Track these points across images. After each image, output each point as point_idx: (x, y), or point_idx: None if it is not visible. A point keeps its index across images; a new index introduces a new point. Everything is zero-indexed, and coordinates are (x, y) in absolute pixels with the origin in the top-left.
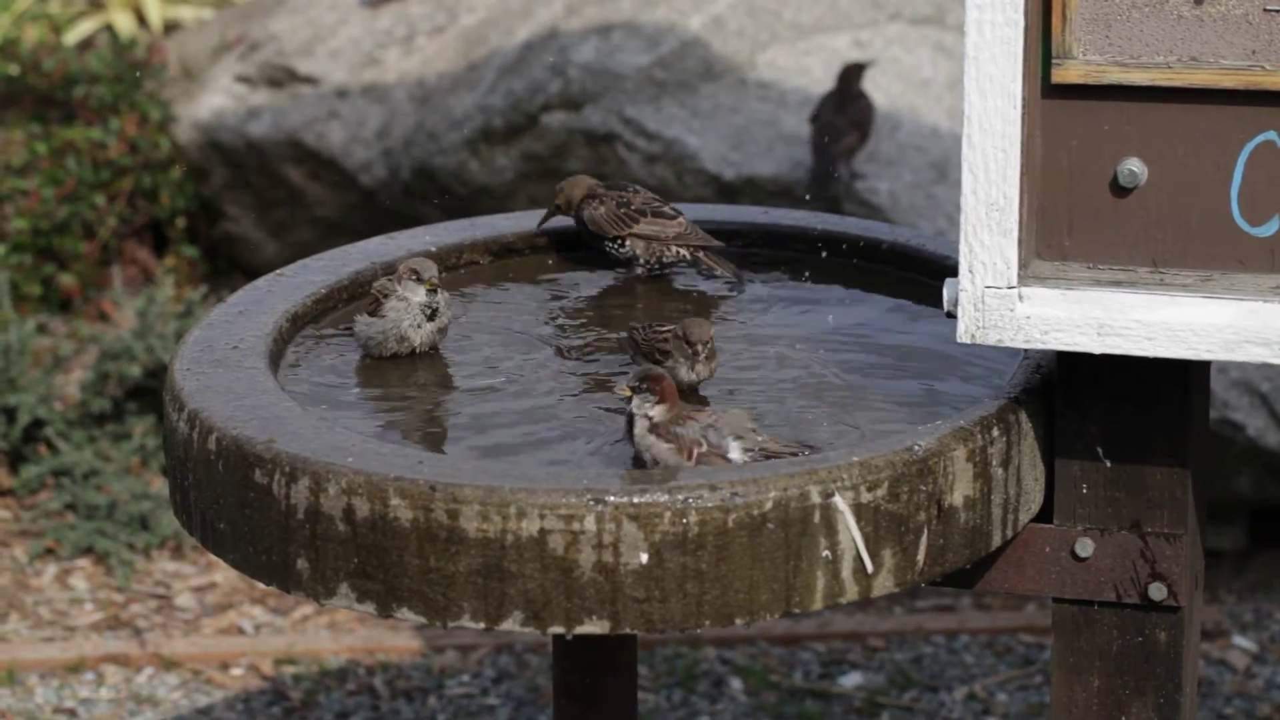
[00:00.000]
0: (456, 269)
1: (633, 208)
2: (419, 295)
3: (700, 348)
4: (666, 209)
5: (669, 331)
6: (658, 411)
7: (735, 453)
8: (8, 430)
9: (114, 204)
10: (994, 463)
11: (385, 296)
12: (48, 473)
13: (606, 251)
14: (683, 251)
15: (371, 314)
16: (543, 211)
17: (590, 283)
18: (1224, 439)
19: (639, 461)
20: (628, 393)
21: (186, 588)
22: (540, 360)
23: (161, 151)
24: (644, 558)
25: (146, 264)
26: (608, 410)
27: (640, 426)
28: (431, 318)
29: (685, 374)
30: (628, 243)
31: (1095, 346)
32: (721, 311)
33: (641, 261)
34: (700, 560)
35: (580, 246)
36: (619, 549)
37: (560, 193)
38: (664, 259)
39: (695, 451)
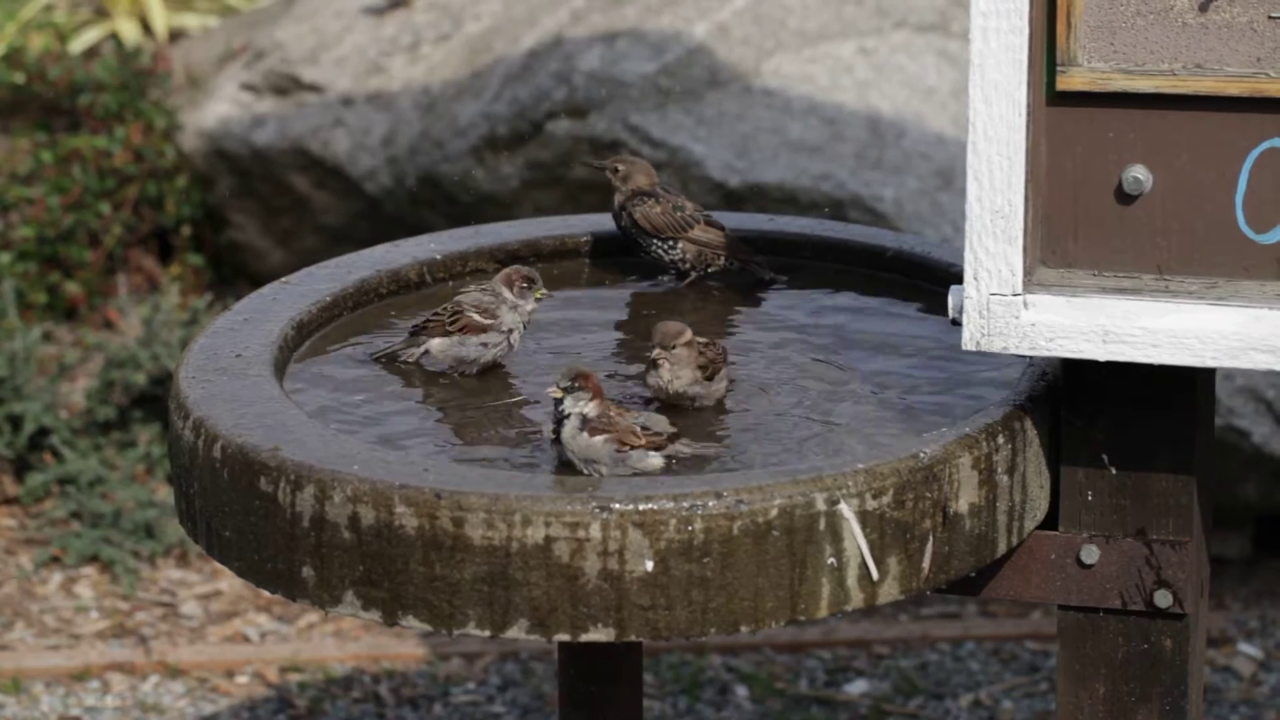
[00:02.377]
0: (462, 276)
1: (687, 213)
2: (530, 304)
3: (661, 351)
4: (716, 220)
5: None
6: (591, 407)
7: (657, 457)
8: (13, 438)
9: (119, 212)
10: (999, 470)
11: (486, 310)
12: (53, 481)
13: (650, 250)
14: (732, 262)
15: (463, 329)
16: (545, 218)
17: (596, 290)
18: (1229, 446)
19: (566, 465)
20: (559, 394)
21: (192, 595)
22: (545, 368)
23: (167, 160)
24: (649, 565)
25: (152, 272)
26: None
27: (571, 426)
28: (525, 325)
29: (654, 380)
30: (679, 245)
31: (1100, 354)
32: (721, 320)
33: (690, 265)
34: (705, 568)
35: (584, 255)
36: (624, 556)
37: (629, 165)
38: (710, 267)
39: (638, 433)
